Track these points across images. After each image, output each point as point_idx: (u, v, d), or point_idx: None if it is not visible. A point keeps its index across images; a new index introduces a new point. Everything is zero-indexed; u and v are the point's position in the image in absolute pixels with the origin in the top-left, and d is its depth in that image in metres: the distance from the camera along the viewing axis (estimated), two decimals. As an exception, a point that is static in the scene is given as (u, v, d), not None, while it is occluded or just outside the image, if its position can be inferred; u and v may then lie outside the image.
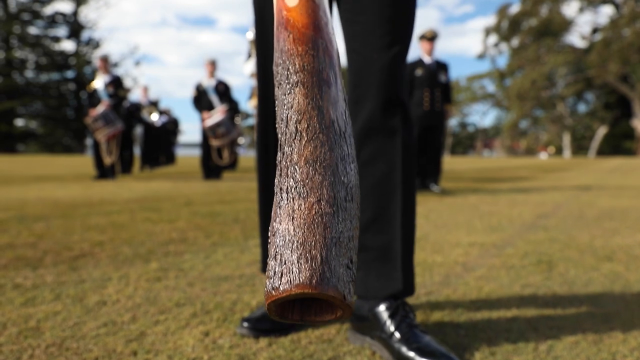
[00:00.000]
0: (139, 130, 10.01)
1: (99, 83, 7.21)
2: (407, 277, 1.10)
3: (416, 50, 5.95)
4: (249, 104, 8.04)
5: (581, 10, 42.78)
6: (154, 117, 9.97)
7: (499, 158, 36.09)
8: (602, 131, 45.89)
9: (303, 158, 0.49)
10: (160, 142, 10.39)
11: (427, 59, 5.66)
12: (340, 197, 0.48)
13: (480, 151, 57.63)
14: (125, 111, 7.43)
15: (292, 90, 0.53)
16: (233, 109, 8.16)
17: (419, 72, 5.60)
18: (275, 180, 0.50)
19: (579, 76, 43.02)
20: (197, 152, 8.18)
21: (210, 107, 7.29)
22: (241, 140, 11.09)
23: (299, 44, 0.54)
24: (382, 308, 1.07)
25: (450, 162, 18.43)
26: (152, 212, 3.28)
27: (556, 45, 42.52)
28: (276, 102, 0.54)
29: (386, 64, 1.06)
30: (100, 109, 6.96)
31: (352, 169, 0.51)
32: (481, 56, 47.35)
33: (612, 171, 12.14)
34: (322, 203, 0.47)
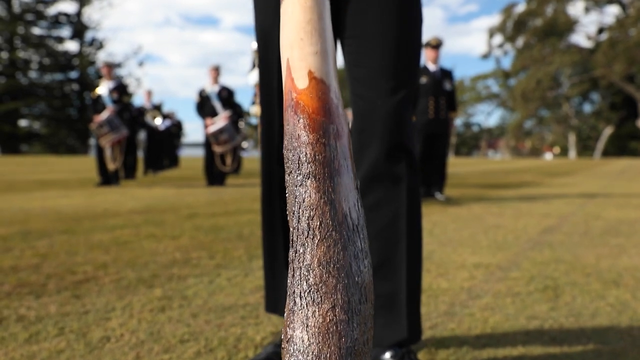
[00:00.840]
0: (142, 135, 10.03)
1: (103, 89, 7.22)
2: (412, 324, 1.09)
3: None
4: (251, 110, 8.04)
5: (587, 10, 42.58)
6: (158, 122, 9.98)
7: (503, 160, 36.02)
8: (607, 131, 45.68)
9: (316, 259, 0.48)
10: (164, 146, 10.40)
11: (431, 67, 5.63)
12: (355, 300, 0.48)
13: (485, 152, 57.48)
14: (129, 116, 7.44)
15: (304, 182, 0.52)
16: (237, 113, 8.16)
17: (423, 79, 5.58)
18: (288, 281, 0.49)
19: (584, 76, 42.85)
20: (200, 152, 8.17)
21: (213, 113, 7.29)
22: (245, 145, 11.09)
23: (310, 131, 0.53)
24: (387, 356, 1.06)
25: (454, 164, 18.38)
26: (156, 227, 3.28)
27: (561, 45, 42.35)
28: (287, 189, 0.53)
29: (391, 110, 1.05)
30: (105, 115, 6.97)
31: (365, 265, 0.51)
32: (486, 56, 47.22)
33: (618, 175, 12.08)
34: (337, 310, 0.47)
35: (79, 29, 38.64)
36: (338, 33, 1.16)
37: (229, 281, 1.98)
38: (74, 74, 38.79)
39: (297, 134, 0.54)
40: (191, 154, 30.44)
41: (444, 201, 5.33)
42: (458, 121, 53.42)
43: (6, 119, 34.87)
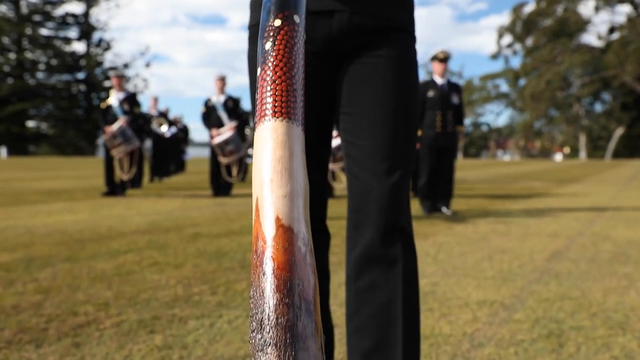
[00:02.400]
0: (148, 143, 10.05)
1: (113, 100, 7.23)
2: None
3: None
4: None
5: (597, 9, 42.19)
6: (164, 129, 10.00)
7: (512, 161, 35.80)
8: (619, 132, 45.25)
9: None
10: (170, 153, 10.42)
11: (439, 80, 5.59)
12: None
13: (494, 152, 57.12)
14: (136, 125, 7.46)
15: (265, 349, 0.51)
16: (243, 121, 8.15)
17: (430, 93, 5.55)
18: None
19: (595, 76, 42.47)
20: (206, 153, 8.17)
21: (219, 124, 7.29)
22: (250, 152, 11.08)
23: (274, 290, 0.52)
24: None
25: (462, 167, 18.29)
26: (159, 251, 3.28)
27: (572, 45, 41.98)
28: (250, 347, 0.52)
29: (387, 192, 1.03)
30: (117, 125, 6.97)
31: None
32: (495, 56, 46.96)
33: (628, 182, 11.97)
34: None
35: (86, 30, 38.88)
36: (334, 108, 1.14)
37: (229, 324, 1.97)
38: (81, 75, 39.08)
39: (262, 289, 0.53)
40: (197, 155, 30.50)
41: (450, 216, 5.30)
42: (467, 121, 53.08)
43: (14, 119, 35.17)
